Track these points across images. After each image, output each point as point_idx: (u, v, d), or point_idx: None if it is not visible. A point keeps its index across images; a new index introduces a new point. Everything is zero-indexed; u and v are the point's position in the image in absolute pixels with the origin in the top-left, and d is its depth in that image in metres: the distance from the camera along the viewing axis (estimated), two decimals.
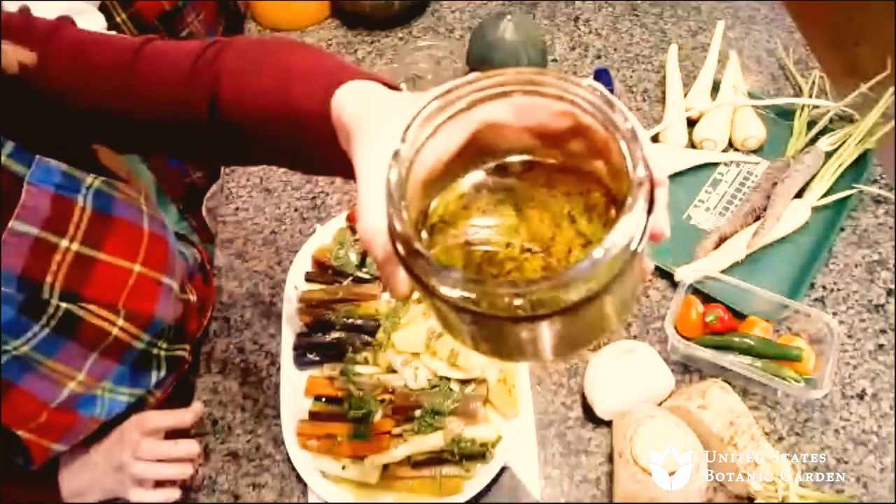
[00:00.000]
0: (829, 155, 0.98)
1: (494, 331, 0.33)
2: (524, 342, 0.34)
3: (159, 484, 0.75)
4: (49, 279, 0.62)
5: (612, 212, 0.34)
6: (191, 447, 0.76)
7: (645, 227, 0.30)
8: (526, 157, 0.37)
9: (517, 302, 0.29)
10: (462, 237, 0.34)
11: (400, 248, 0.31)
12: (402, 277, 0.36)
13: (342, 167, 0.46)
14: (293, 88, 0.48)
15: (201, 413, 0.82)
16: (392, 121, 0.39)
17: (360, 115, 0.42)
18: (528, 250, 0.34)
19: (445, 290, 0.30)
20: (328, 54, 0.53)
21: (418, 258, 0.30)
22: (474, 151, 0.36)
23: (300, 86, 0.48)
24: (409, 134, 0.34)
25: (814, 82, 1.08)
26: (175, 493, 0.76)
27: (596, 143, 0.34)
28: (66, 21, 0.58)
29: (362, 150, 0.40)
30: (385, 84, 0.46)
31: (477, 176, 0.37)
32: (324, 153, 0.47)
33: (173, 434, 0.78)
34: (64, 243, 0.62)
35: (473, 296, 0.30)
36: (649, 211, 0.31)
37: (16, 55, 0.52)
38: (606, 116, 0.33)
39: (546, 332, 0.33)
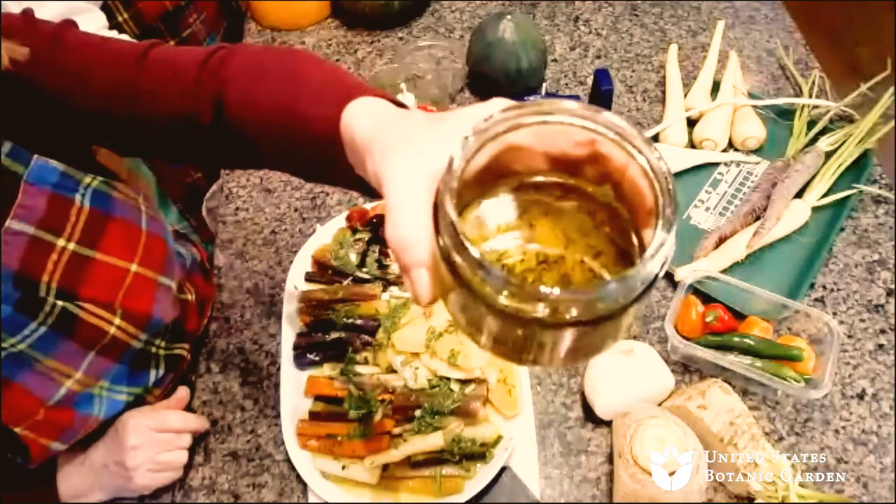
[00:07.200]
0: (829, 155, 0.98)
1: (524, 335, 0.34)
2: (545, 348, 0.35)
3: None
4: (45, 278, 0.62)
5: (620, 229, 0.36)
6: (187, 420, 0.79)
7: (668, 257, 0.32)
8: (538, 179, 0.37)
9: (565, 310, 0.31)
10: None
11: (448, 243, 0.32)
12: (430, 284, 0.36)
13: (346, 179, 0.47)
14: (302, 101, 0.48)
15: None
16: (416, 136, 0.39)
17: (376, 132, 0.42)
18: (545, 261, 0.35)
19: (488, 287, 0.31)
20: (336, 68, 0.53)
21: (467, 255, 0.31)
22: (490, 174, 0.37)
23: (309, 99, 0.48)
24: (466, 144, 0.34)
25: (814, 82, 1.08)
26: (179, 472, 0.78)
27: (609, 170, 0.35)
28: (70, 24, 0.58)
29: (389, 163, 0.39)
30: (393, 102, 0.46)
31: (490, 195, 0.37)
32: (329, 165, 0.47)
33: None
34: (61, 242, 0.62)
35: (519, 302, 0.31)
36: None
37: (7, 51, 0.52)
38: (635, 146, 0.34)
39: (568, 340, 0.34)
